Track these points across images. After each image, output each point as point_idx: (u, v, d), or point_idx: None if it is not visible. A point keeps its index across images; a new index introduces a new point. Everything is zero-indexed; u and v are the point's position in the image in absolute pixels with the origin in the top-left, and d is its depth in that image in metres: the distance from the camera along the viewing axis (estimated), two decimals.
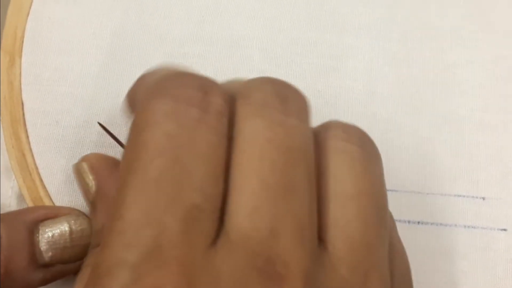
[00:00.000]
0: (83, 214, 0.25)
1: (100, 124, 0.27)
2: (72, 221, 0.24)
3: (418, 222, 0.27)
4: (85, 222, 0.24)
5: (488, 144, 0.28)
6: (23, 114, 0.28)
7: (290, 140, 0.16)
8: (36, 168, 0.27)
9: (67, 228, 0.23)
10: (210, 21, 0.30)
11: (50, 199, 0.27)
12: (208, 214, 0.15)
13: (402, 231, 0.27)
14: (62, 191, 0.27)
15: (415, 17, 0.30)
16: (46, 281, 0.23)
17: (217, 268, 0.14)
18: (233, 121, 0.17)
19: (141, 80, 0.20)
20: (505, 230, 0.27)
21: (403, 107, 0.29)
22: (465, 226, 0.27)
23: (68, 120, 0.28)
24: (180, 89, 0.16)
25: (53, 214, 0.24)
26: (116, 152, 0.27)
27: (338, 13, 0.30)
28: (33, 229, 0.23)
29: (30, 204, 0.26)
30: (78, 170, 0.23)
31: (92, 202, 0.23)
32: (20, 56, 0.29)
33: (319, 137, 0.18)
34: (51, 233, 0.23)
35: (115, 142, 0.27)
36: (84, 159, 0.23)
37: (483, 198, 0.27)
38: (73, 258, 0.23)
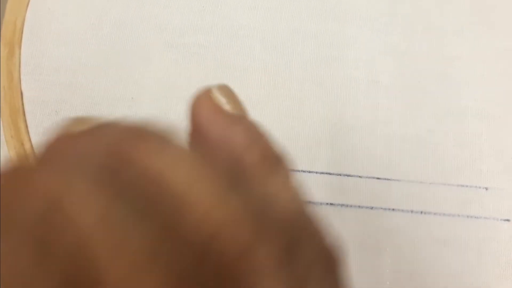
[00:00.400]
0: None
1: None
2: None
3: (421, 212, 0.27)
4: None
5: (490, 135, 0.28)
6: (23, 104, 0.28)
7: None
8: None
9: None
10: (211, 11, 0.30)
11: None
12: None
13: (405, 221, 0.27)
14: None
15: (417, 10, 0.30)
16: None
17: None
18: None
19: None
20: (508, 220, 0.27)
21: (405, 97, 0.29)
22: (468, 216, 0.27)
23: (68, 110, 0.27)
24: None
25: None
26: None
27: (340, 3, 0.30)
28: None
29: None
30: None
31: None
32: (20, 47, 0.29)
33: None
34: None
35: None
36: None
37: (486, 188, 0.27)
38: None
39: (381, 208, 0.27)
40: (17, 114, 0.27)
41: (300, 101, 0.28)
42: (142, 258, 0.10)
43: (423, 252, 0.26)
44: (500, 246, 0.26)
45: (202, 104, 0.17)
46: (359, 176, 0.27)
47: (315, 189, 0.27)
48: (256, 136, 0.15)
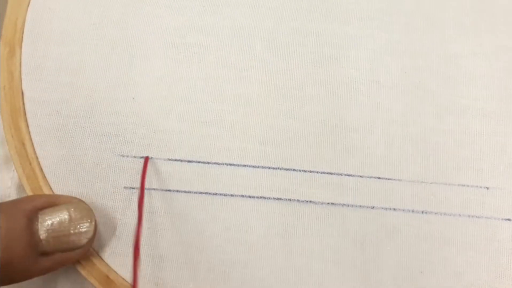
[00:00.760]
0: (83, 202, 0.24)
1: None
2: (72, 209, 0.23)
3: (422, 212, 0.27)
4: (85, 210, 0.24)
5: (491, 134, 0.28)
6: (23, 104, 0.28)
7: None
8: (36, 157, 0.27)
9: (66, 216, 0.23)
10: (212, 10, 0.30)
11: (50, 188, 0.26)
12: None
13: (406, 220, 0.27)
14: (62, 180, 0.26)
15: (418, 8, 0.30)
16: (46, 270, 0.23)
17: None
18: None
19: None
20: (509, 220, 0.27)
21: (406, 97, 0.29)
22: (469, 216, 0.27)
23: (69, 110, 0.27)
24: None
25: (52, 202, 0.24)
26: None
27: (340, 3, 0.30)
28: (32, 217, 0.23)
29: (30, 194, 0.26)
30: None
31: None
32: (20, 47, 0.29)
33: None
34: (51, 221, 0.23)
35: (115, 135, 0.27)
36: None
37: (487, 188, 0.27)
38: (73, 246, 0.23)
39: (382, 208, 0.27)
40: (18, 114, 0.27)
41: (301, 101, 0.28)
42: None
43: (424, 252, 0.26)
44: (501, 246, 0.26)
45: None
46: (360, 176, 0.27)
47: (316, 189, 0.27)
48: None
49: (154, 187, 0.26)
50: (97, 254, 0.26)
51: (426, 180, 0.27)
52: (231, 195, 0.27)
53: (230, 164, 0.27)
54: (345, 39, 0.29)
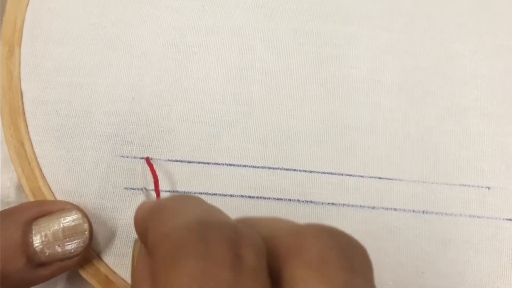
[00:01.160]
0: (77, 208, 0.24)
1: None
2: (65, 219, 0.23)
3: (423, 212, 0.26)
4: (79, 217, 0.24)
5: (492, 134, 0.28)
6: (22, 104, 0.28)
7: None
8: (35, 158, 0.27)
9: (59, 227, 0.23)
10: (211, 10, 0.29)
11: (49, 188, 0.26)
12: None
13: (407, 220, 0.26)
14: (61, 180, 0.26)
15: (419, 8, 0.30)
16: (45, 278, 0.23)
17: None
18: (280, 279, 0.15)
19: (153, 215, 0.17)
20: (510, 220, 0.27)
21: (407, 96, 0.28)
22: (470, 216, 0.27)
23: (68, 110, 0.27)
24: (208, 245, 0.14)
25: (46, 210, 0.24)
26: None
27: (341, 2, 0.30)
28: (26, 229, 0.22)
29: (29, 194, 0.26)
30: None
31: None
32: (20, 46, 0.29)
33: (288, 260, 0.15)
34: (44, 233, 0.23)
35: (115, 135, 0.27)
36: None
37: (488, 188, 0.27)
38: (69, 254, 0.23)
39: (383, 208, 0.27)
40: (17, 114, 0.27)
41: (301, 100, 0.28)
42: None
43: (425, 252, 0.26)
44: (502, 246, 0.26)
45: None
46: (361, 176, 0.27)
47: (316, 189, 0.27)
48: None
49: (154, 188, 0.26)
50: (97, 255, 0.25)
51: (427, 180, 0.27)
52: (231, 195, 0.27)
53: (230, 164, 0.27)
54: (345, 38, 0.29)
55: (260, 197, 0.27)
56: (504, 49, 0.30)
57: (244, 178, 0.27)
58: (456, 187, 0.27)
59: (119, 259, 0.25)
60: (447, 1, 0.30)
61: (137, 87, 0.28)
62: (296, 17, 0.30)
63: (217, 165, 0.27)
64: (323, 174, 0.27)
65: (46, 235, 0.23)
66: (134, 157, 0.27)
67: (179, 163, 0.27)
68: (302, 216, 0.26)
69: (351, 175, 0.27)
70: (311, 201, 0.27)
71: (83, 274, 0.25)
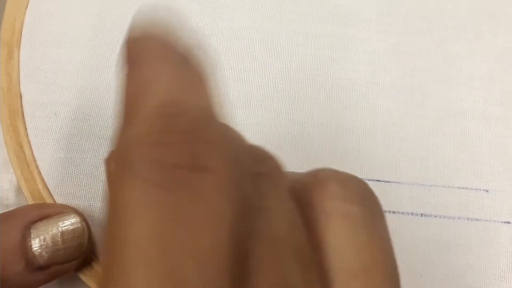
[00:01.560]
0: (76, 211, 0.24)
1: None
2: (64, 222, 0.23)
3: (421, 214, 0.27)
4: (77, 221, 0.24)
5: (491, 136, 0.28)
6: (22, 106, 0.28)
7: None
8: (34, 160, 0.27)
9: (58, 231, 0.23)
10: (210, 12, 0.29)
11: (48, 191, 0.26)
12: None
13: (405, 223, 0.26)
14: (61, 183, 0.26)
15: (418, 10, 0.30)
16: (44, 282, 0.23)
17: None
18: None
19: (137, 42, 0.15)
20: (508, 222, 0.27)
21: (405, 99, 0.29)
22: (468, 219, 0.27)
23: (67, 112, 0.27)
24: (164, 148, 0.12)
25: (45, 214, 0.24)
26: None
27: (340, 5, 0.30)
28: (25, 233, 0.23)
29: (28, 197, 0.26)
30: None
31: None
32: (19, 49, 0.29)
33: (311, 195, 0.15)
34: (43, 237, 0.23)
35: (114, 135, 0.27)
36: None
37: (487, 191, 0.27)
38: (68, 258, 0.23)
39: None
40: (16, 116, 0.27)
41: (300, 103, 0.28)
42: None
43: (423, 254, 0.26)
44: (500, 248, 0.26)
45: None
46: None
47: None
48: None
49: None
50: (96, 257, 0.26)
51: (425, 182, 0.27)
52: None
53: None
54: (344, 41, 0.29)
55: None
56: (503, 51, 0.30)
57: None
58: (454, 190, 0.27)
59: None
60: (446, 3, 0.30)
61: None
62: (295, 19, 0.30)
63: None
64: None
65: (45, 239, 0.23)
66: None
67: None
68: None
69: None
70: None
71: (82, 277, 0.25)
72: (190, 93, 0.14)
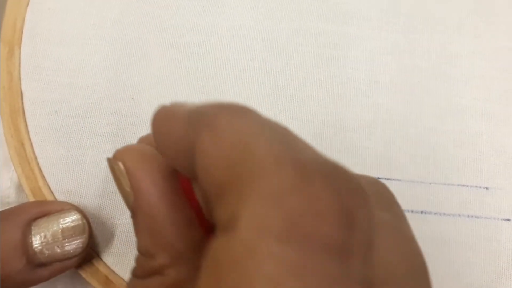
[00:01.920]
0: (76, 209, 0.24)
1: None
2: (64, 219, 0.23)
3: (422, 212, 0.27)
4: (78, 218, 0.24)
5: (491, 134, 0.28)
6: (22, 104, 0.28)
7: None
8: (35, 157, 0.27)
9: (58, 228, 0.23)
10: (211, 11, 0.30)
11: (49, 188, 0.26)
12: None
13: None
14: (61, 180, 0.26)
15: (418, 8, 0.30)
16: (45, 278, 0.23)
17: None
18: None
19: (204, 121, 0.14)
20: (508, 220, 0.27)
21: (406, 97, 0.29)
22: (468, 216, 0.27)
23: (68, 110, 0.27)
24: (311, 189, 0.11)
25: (45, 211, 0.24)
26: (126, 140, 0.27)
27: (340, 3, 0.30)
28: (26, 230, 0.23)
29: (29, 194, 0.26)
30: (112, 168, 0.18)
31: (132, 211, 0.18)
32: (20, 47, 0.29)
33: None
34: (44, 234, 0.23)
35: (114, 135, 0.27)
36: (119, 156, 0.18)
37: (487, 188, 0.27)
38: (69, 255, 0.23)
39: None
40: (17, 114, 0.27)
41: (300, 101, 0.28)
42: None
43: (423, 252, 0.26)
44: (500, 246, 0.26)
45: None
46: None
47: None
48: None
49: None
50: (96, 255, 0.26)
51: (425, 180, 0.27)
52: None
53: None
54: (344, 39, 0.29)
55: None
56: (503, 49, 0.30)
57: None
58: (454, 187, 0.27)
59: (119, 259, 0.26)
60: (446, 2, 0.31)
61: (136, 87, 0.28)
62: (295, 18, 0.30)
63: None
64: None
65: (45, 236, 0.23)
66: None
67: None
68: None
69: None
70: None
71: (83, 274, 0.25)
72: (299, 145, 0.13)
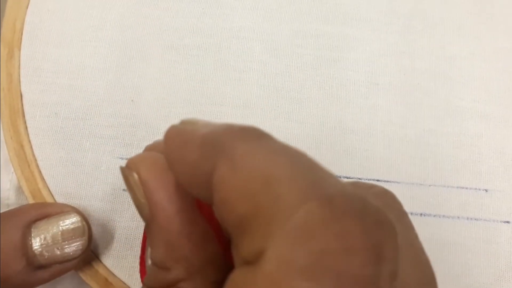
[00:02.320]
0: (76, 211, 0.24)
1: None
2: (64, 221, 0.23)
3: (421, 214, 0.27)
4: (77, 220, 0.24)
5: (490, 136, 0.28)
6: (22, 106, 0.28)
7: None
8: (35, 159, 0.27)
9: (58, 230, 0.23)
10: (210, 13, 0.30)
11: (49, 191, 0.26)
12: None
13: None
14: (61, 183, 0.26)
15: (417, 10, 0.30)
16: (44, 280, 0.23)
17: None
18: None
19: (220, 145, 0.14)
20: (507, 222, 0.27)
21: (405, 98, 0.29)
22: (468, 218, 0.27)
23: (67, 112, 0.27)
24: (341, 227, 0.11)
25: (45, 213, 0.24)
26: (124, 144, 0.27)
27: (340, 5, 0.30)
28: (26, 232, 0.23)
29: (29, 196, 0.26)
30: (127, 179, 0.18)
31: (147, 222, 0.17)
32: (19, 48, 0.29)
33: None
34: (43, 236, 0.23)
35: (114, 137, 0.27)
36: (133, 166, 0.17)
37: (486, 190, 0.27)
38: (69, 257, 0.23)
39: None
40: (17, 116, 0.27)
41: (299, 103, 0.28)
42: None
43: None
44: (499, 248, 0.26)
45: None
46: (359, 178, 0.27)
47: None
48: None
49: None
50: (96, 257, 0.26)
51: (424, 182, 0.27)
52: None
53: None
54: (344, 41, 0.29)
55: None
56: (502, 50, 0.30)
57: None
58: (453, 190, 0.27)
59: (118, 261, 0.26)
60: (445, 3, 0.31)
61: (136, 89, 0.28)
62: (294, 19, 0.30)
63: None
64: None
65: (45, 238, 0.23)
66: None
67: None
68: None
69: (350, 178, 0.27)
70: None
71: (83, 276, 0.25)
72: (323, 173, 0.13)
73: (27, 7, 0.29)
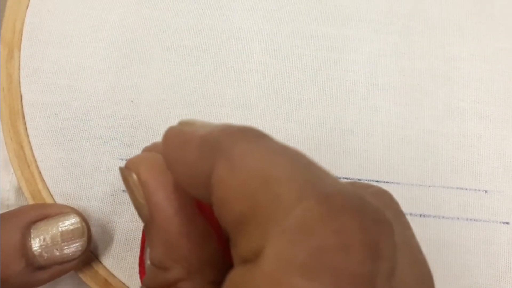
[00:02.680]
0: (76, 212, 0.24)
1: None
2: (64, 222, 0.23)
3: (420, 215, 0.27)
4: (77, 221, 0.24)
5: (490, 137, 0.28)
6: (22, 107, 0.28)
7: None
8: (35, 160, 0.27)
9: (58, 231, 0.23)
10: (210, 14, 0.30)
11: (49, 191, 0.26)
12: None
13: None
14: (61, 183, 0.26)
15: (416, 10, 0.30)
16: (44, 281, 0.23)
17: None
18: None
19: (218, 146, 0.14)
20: (507, 223, 0.27)
21: (404, 99, 0.29)
22: (467, 219, 0.27)
23: (67, 113, 0.27)
24: (339, 224, 0.11)
25: (45, 214, 0.24)
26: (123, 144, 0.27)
27: (339, 5, 0.30)
28: (25, 233, 0.23)
29: (28, 197, 0.26)
30: (126, 179, 0.18)
31: (146, 223, 0.18)
32: (19, 49, 0.29)
33: None
34: (43, 237, 0.23)
35: (114, 138, 0.27)
36: (132, 167, 0.17)
37: (486, 191, 0.27)
38: (68, 258, 0.23)
39: None
40: (17, 117, 0.27)
41: (299, 104, 0.28)
42: None
43: None
44: (499, 249, 0.26)
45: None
46: (358, 179, 0.27)
47: None
48: None
49: None
50: (96, 257, 0.26)
51: (424, 183, 0.27)
52: None
53: None
54: (343, 42, 0.29)
55: None
56: (502, 51, 0.30)
57: None
58: (453, 190, 0.27)
59: (118, 262, 0.26)
60: (445, 4, 0.31)
61: (136, 90, 0.28)
62: (294, 20, 0.30)
63: None
64: None
65: (44, 239, 0.23)
66: None
67: None
68: None
69: (349, 178, 0.27)
70: None
71: (82, 277, 0.25)
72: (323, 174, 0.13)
73: (27, 8, 0.29)
